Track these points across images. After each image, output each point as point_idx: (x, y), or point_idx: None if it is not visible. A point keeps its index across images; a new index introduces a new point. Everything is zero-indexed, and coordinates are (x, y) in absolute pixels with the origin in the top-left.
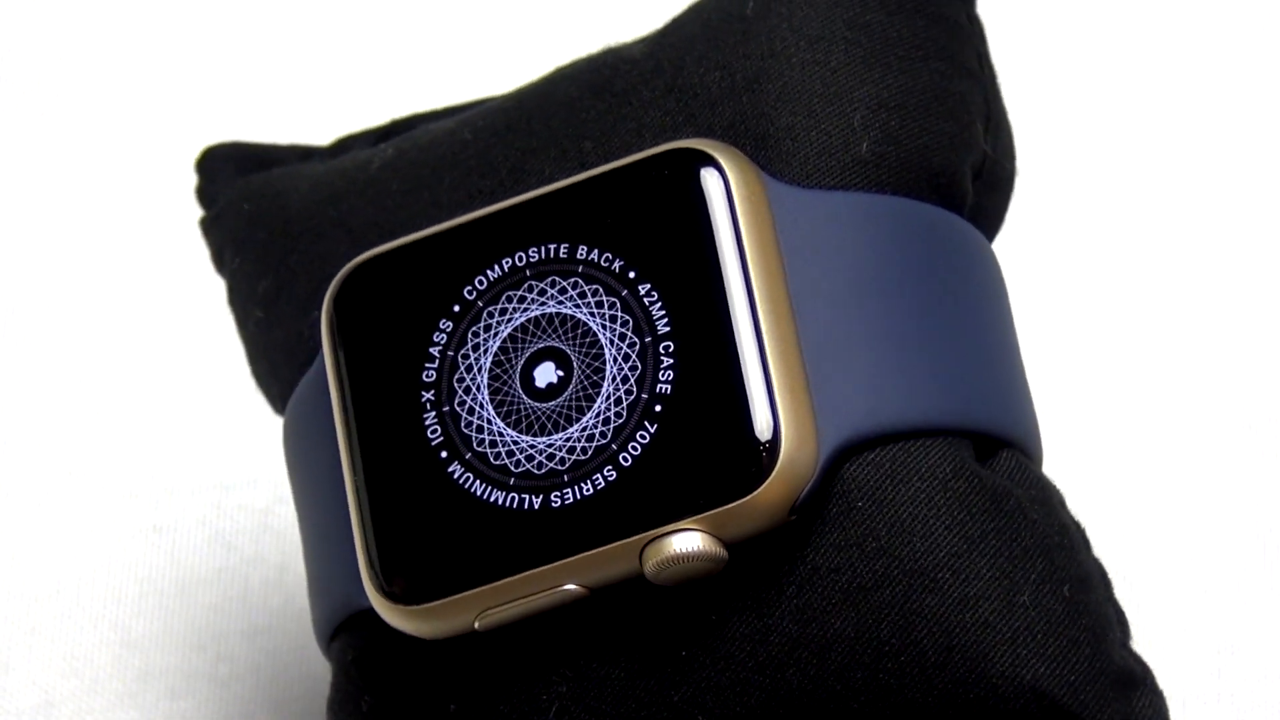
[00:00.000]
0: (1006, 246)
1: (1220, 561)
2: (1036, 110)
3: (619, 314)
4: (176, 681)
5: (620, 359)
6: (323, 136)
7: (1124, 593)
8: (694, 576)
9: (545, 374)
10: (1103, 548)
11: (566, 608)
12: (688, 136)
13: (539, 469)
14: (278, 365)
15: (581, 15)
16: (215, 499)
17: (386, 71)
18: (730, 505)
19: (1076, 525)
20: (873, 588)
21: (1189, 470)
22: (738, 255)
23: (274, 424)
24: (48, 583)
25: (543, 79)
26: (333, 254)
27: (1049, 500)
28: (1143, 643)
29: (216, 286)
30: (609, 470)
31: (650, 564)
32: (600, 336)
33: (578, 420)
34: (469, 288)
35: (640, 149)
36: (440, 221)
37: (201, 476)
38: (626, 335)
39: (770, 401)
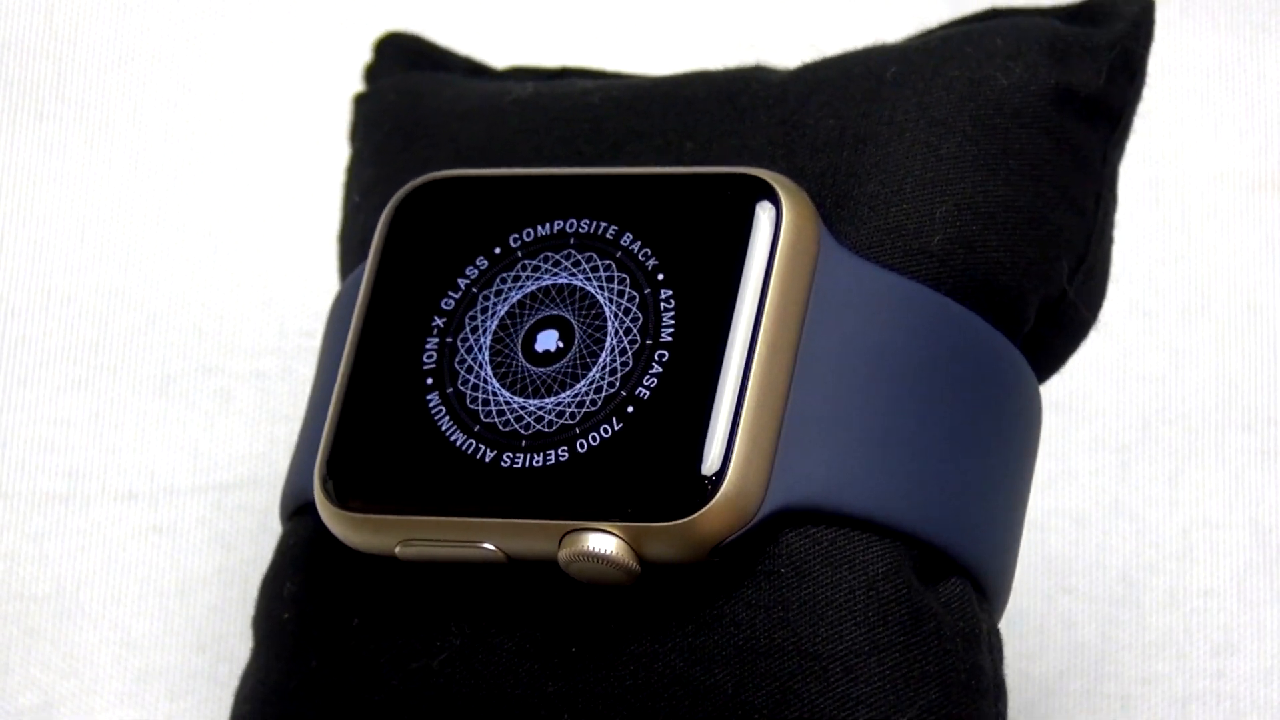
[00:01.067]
0: None
1: (1220, 561)
2: None
3: (633, 309)
4: (176, 682)
5: (617, 350)
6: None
7: (1124, 593)
8: (605, 580)
9: (546, 340)
10: (1104, 546)
11: (483, 568)
12: (778, 170)
13: (504, 426)
14: (351, 251)
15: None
16: (215, 499)
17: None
18: (654, 524)
19: (995, 675)
20: (764, 654)
21: (1189, 470)
22: (758, 293)
23: (274, 425)
24: (47, 583)
25: (687, 72)
26: (434, 165)
27: (975, 639)
28: (1143, 643)
29: (210, 282)
30: (563, 451)
31: (564, 552)
32: (608, 323)
33: (556, 394)
34: (515, 235)
35: (735, 166)
36: (534, 167)
37: (201, 476)
38: (631, 331)
39: (729, 441)
